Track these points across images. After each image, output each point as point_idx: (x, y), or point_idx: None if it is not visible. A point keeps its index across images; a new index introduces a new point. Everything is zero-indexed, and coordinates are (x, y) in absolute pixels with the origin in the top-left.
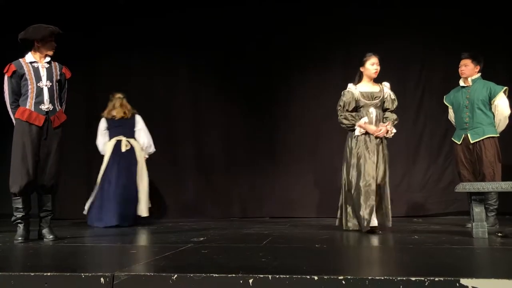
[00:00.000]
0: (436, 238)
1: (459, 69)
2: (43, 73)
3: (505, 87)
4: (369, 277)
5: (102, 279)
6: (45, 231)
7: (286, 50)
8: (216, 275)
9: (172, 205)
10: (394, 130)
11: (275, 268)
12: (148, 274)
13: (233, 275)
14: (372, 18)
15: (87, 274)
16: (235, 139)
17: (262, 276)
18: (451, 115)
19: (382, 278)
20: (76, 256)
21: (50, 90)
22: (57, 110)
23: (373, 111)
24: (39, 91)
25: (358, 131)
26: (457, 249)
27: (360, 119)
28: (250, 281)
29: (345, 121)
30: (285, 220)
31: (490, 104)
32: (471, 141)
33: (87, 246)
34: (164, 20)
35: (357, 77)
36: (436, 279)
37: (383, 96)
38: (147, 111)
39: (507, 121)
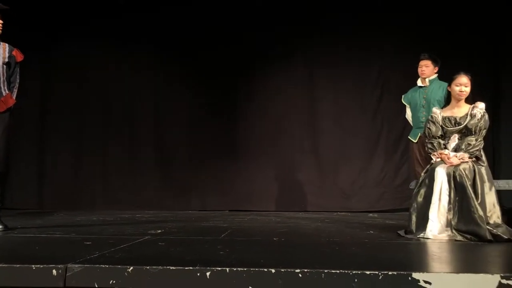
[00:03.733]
0: (391, 233)
1: (419, 69)
2: None
3: None
4: (325, 270)
5: (54, 271)
6: None
7: (249, 48)
8: (173, 267)
9: (130, 197)
10: None
11: (233, 261)
12: (103, 266)
13: (190, 268)
14: (334, 18)
15: (38, 266)
16: (195, 133)
17: (219, 269)
18: (409, 114)
19: (338, 271)
20: (27, 247)
21: None
22: (3, 94)
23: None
24: None
25: None
26: (410, 244)
27: None
28: (208, 274)
29: None
30: (244, 213)
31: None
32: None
33: (39, 237)
34: (128, 16)
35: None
36: (390, 273)
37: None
38: (108, 104)
39: None
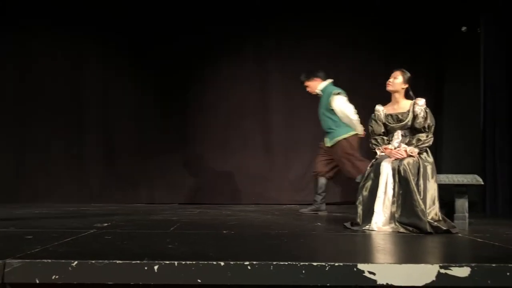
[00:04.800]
0: (337, 225)
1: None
2: None
3: (338, 91)
4: (274, 262)
5: None
6: None
7: (199, 43)
8: (120, 261)
9: (76, 189)
10: None
11: (182, 254)
12: (45, 260)
13: (138, 261)
14: (283, 12)
15: None
16: (145, 125)
17: (168, 262)
18: None
19: (286, 263)
20: None
21: None
22: None
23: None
24: None
25: None
26: (356, 236)
27: None
28: (155, 267)
29: None
30: (194, 206)
31: (333, 109)
32: (325, 144)
33: None
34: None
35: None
36: (336, 264)
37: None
38: (53, 94)
39: (353, 117)
